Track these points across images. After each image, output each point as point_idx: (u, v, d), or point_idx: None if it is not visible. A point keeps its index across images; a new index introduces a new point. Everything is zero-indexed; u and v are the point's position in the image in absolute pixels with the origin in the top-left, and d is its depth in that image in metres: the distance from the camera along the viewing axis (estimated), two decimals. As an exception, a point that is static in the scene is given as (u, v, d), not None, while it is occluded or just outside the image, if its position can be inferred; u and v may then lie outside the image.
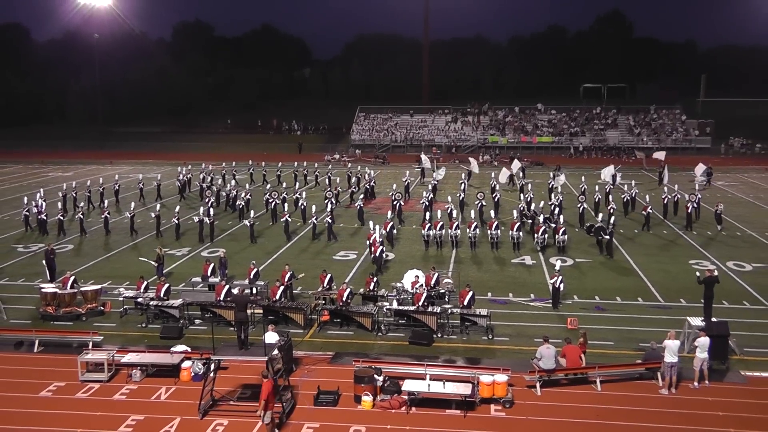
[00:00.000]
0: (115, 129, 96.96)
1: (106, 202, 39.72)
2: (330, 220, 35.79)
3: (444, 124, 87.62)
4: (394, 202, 40.16)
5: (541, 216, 36.19)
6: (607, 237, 32.46)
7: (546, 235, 33.18)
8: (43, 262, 28.20)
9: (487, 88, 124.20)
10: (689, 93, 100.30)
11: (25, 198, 39.92)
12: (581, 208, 39.20)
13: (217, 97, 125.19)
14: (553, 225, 34.50)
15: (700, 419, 16.54)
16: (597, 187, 44.46)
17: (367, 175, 50.67)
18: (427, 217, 35.70)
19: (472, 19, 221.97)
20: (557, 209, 37.71)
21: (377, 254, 29.63)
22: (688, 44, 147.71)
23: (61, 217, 37.33)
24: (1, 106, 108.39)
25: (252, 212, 37.65)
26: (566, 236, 32.98)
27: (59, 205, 41.12)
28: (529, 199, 40.66)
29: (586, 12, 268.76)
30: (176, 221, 35.96)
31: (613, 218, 34.68)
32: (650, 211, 37.98)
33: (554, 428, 16.19)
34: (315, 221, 36.24)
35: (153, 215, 37.28)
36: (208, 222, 35.30)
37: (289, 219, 36.08)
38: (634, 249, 33.34)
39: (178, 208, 38.57)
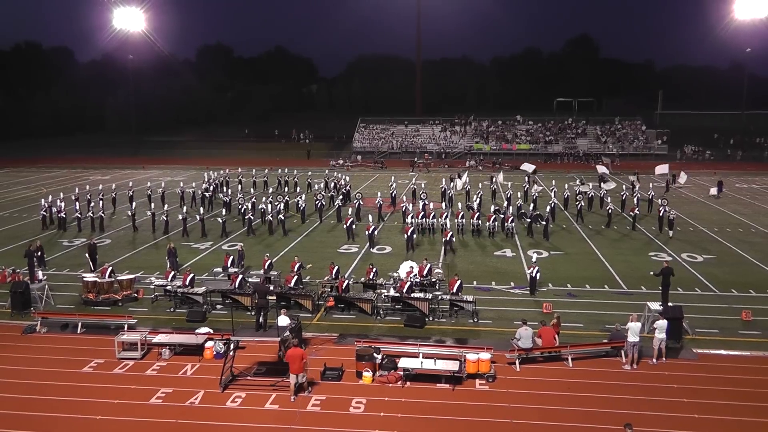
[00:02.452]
0: (146, 138, 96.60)
1: (101, 203, 39.55)
2: (282, 218, 35.98)
3: (435, 133, 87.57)
4: (355, 201, 40.79)
5: (492, 207, 37.51)
6: (543, 223, 34.43)
7: (496, 223, 34.96)
8: (86, 255, 28.26)
9: (472, 102, 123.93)
10: (648, 106, 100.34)
11: (42, 200, 39.39)
12: (579, 206, 39.84)
13: (236, 110, 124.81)
14: (502, 215, 35.83)
15: (657, 391, 16.58)
16: (566, 187, 45.20)
17: (342, 180, 49.52)
18: (410, 207, 37.13)
19: (458, 41, 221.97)
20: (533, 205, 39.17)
21: (448, 238, 30.67)
22: (647, 64, 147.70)
23: (79, 215, 37.47)
24: (49, 118, 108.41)
25: (224, 210, 37.52)
26: (514, 224, 34.97)
27: (76, 206, 40.67)
28: (509, 196, 41.36)
29: (558, 35, 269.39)
30: (164, 219, 36.02)
31: (548, 207, 36.63)
32: (637, 212, 37.51)
33: (531, 399, 16.19)
34: (282, 217, 36.03)
35: (150, 214, 37.43)
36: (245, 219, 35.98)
37: (252, 218, 36.23)
38: (600, 242, 33.34)
39: (166, 207, 38.49)
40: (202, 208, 37.89)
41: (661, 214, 36.48)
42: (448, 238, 30.77)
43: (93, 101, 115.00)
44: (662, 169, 51.36)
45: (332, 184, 49.62)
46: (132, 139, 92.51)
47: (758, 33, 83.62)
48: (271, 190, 45.06)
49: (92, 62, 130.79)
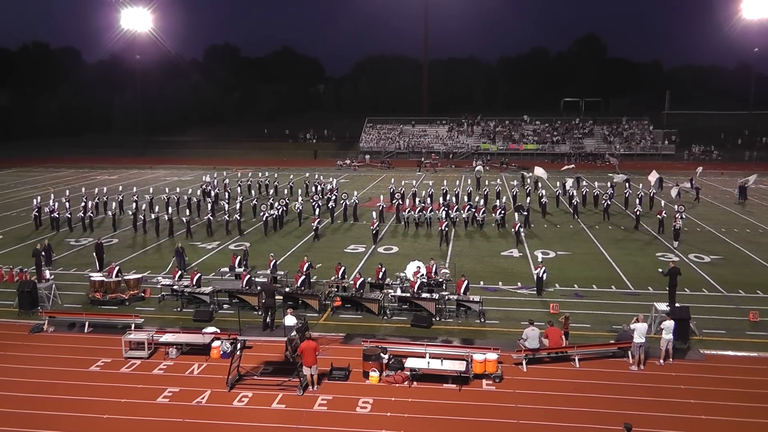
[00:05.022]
0: (153, 138, 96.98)
1: (89, 204, 39.64)
2: (238, 218, 36.56)
3: (442, 133, 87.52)
4: (342, 202, 41.98)
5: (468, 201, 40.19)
6: (525, 213, 37.45)
7: (468, 214, 37.83)
8: (94, 254, 28.37)
9: (479, 102, 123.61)
10: (655, 106, 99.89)
11: (34, 200, 39.35)
12: (605, 204, 40.21)
13: (243, 110, 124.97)
14: (472, 209, 38.16)
15: (664, 392, 16.52)
16: (569, 185, 46.31)
17: (330, 185, 48.71)
18: (407, 203, 38.59)
19: (466, 41, 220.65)
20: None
21: (517, 229, 33.32)
22: (655, 64, 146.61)
23: (68, 215, 37.66)
24: (56, 117, 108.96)
25: (188, 211, 37.80)
26: (485, 216, 37.79)
27: (67, 205, 40.60)
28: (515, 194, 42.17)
29: (565, 35, 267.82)
30: (141, 218, 36.56)
31: (528, 199, 40.48)
32: (665, 215, 35.92)
33: (538, 400, 16.16)
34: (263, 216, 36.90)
35: (131, 214, 37.94)
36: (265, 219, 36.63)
37: (212, 218, 36.35)
38: (607, 243, 33.24)
39: (144, 207, 39.03)
40: (170, 208, 38.02)
41: (675, 224, 35.59)
42: (517, 230, 33.19)
43: (100, 101, 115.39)
44: (653, 175, 50.65)
45: (326, 187, 48.76)
46: (139, 139, 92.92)
47: (766, 32, 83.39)
48: (271, 192, 45.14)
49: (100, 62, 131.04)
